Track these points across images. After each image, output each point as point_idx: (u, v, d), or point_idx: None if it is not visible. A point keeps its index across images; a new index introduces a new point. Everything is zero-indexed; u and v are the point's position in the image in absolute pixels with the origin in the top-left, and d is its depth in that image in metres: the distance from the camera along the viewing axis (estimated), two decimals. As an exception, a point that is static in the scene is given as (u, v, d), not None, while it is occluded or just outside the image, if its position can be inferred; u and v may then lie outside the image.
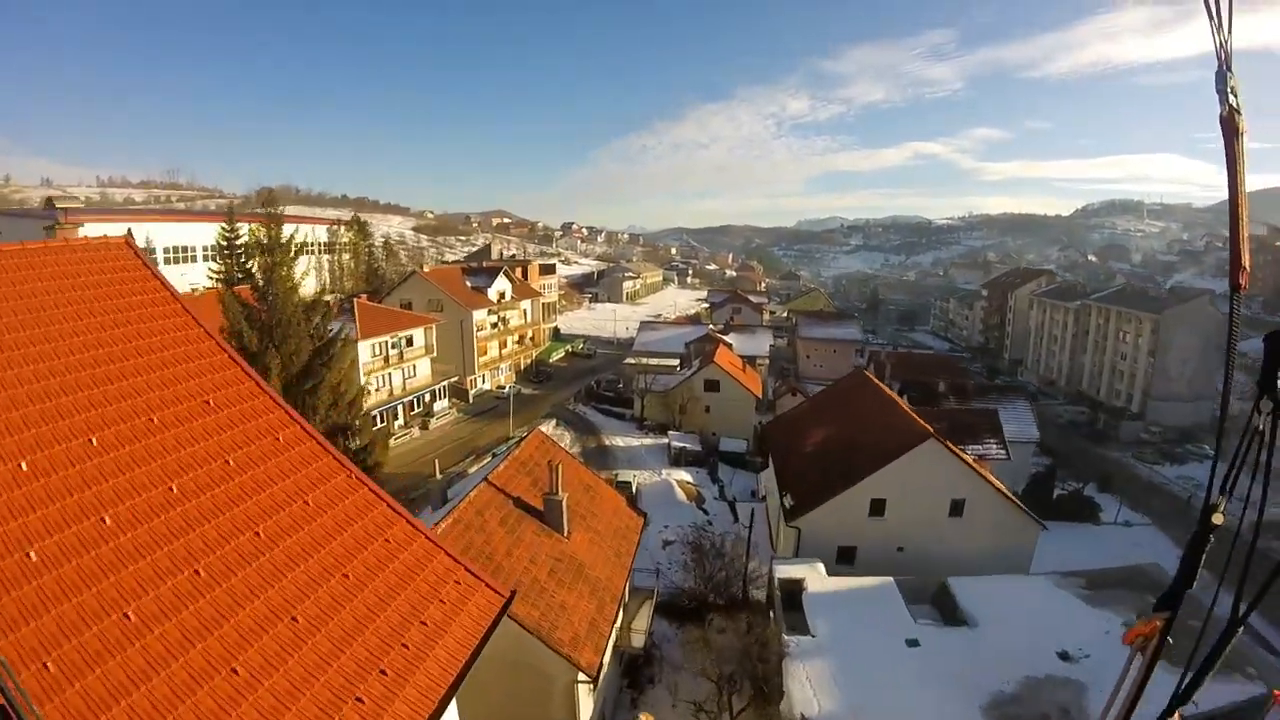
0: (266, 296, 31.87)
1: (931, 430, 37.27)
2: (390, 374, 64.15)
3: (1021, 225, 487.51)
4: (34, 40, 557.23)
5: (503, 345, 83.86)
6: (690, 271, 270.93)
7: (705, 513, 52.07)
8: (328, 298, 68.86)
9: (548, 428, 65.71)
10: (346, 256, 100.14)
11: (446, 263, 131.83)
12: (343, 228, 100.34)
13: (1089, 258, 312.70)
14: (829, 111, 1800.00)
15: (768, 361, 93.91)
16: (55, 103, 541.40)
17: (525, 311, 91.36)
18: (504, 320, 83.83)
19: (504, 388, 77.71)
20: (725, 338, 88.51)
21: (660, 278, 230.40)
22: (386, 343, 63.45)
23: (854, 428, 42.33)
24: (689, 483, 56.07)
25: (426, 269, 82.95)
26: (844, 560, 38.04)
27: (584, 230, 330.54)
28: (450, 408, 71.43)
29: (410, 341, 66.83)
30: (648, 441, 65.45)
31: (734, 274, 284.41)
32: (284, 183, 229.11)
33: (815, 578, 33.36)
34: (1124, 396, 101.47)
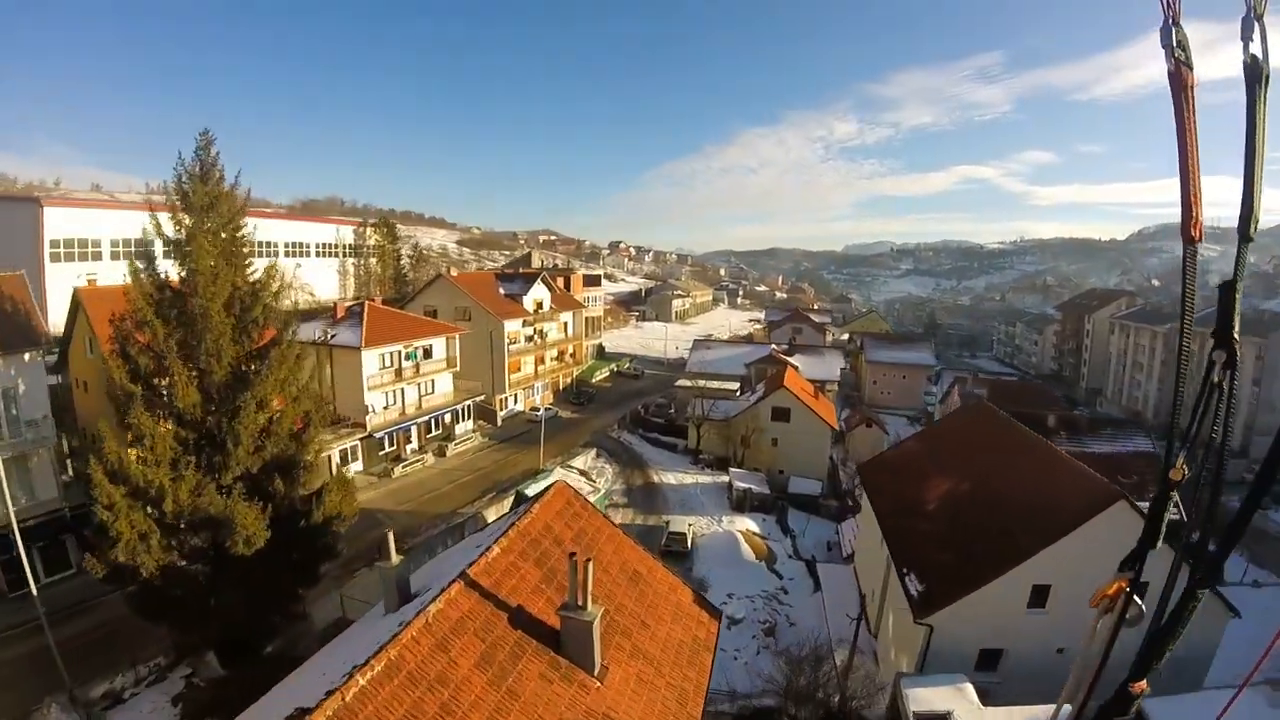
0: (190, 278, 21.86)
1: (1119, 488, 26.05)
2: (403, 389, 54.31)
3: (1075, 249, 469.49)
4: (93, 56, 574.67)
5: (539, 361, 73.66)
6: (740, 292, 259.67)
7: (778, 575, 40.89)
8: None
9: (587, 459, 55.12)
10: (374, 261, 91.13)
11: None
12: (370, 230, 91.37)
13: (1152, 281, 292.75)
14: (877, 135, 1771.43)
15: (836, 387, 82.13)
16: (110, 115, 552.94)
17: (566, 325, 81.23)
18: (541, 333, 73.69)
19: (538, 410, 67.54)
20: (790, 359, 77.34)
21: (710, 297, 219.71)
22: (399, 352, 53.65)
23: (994, 480, 30.85)
24: (756, 534, 44.94)
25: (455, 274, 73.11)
26: (984, 667, 26.88)
27: (632, 249, 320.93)
28: (474, 431, 61.29)
29: (428, 352, 56.98)
30: (704, 479, 54.35)
31: (784, 296, 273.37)
32: (331, 194, 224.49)
33: (966, 710, 22.27)
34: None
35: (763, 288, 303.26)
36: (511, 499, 43.14)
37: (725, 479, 53.87)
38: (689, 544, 41.07)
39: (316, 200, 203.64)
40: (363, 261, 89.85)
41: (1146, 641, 3.04)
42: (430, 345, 57.13)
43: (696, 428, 59.64)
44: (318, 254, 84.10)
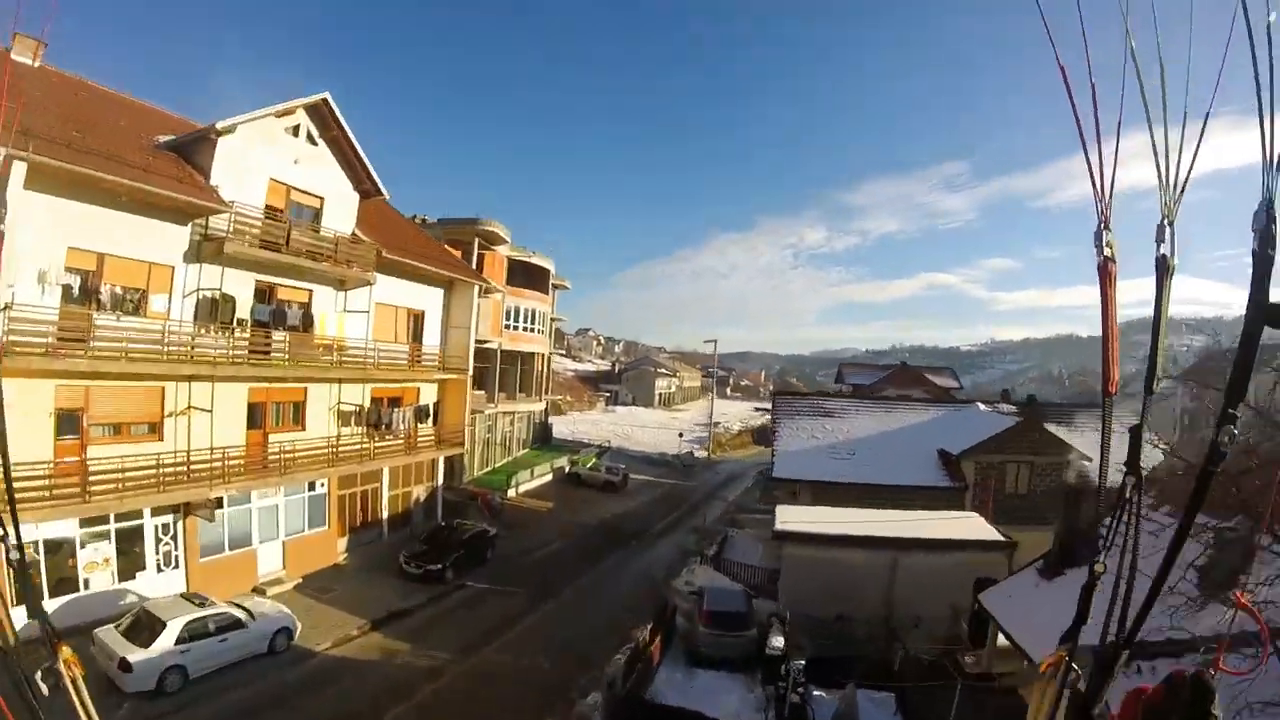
0: None
1: None
2: None
3: (1053, 346, 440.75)
4: None
5: (273, 420, 20.53)
6: (730, 383, 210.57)
7: None
8: None
9: None
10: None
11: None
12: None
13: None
14: (845, 242, 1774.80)
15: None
16: None
17: (419, 317, 27.94)
18: (281, 310, 20.93)
19: (241, 614, 14.69)
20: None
21: (699, 383, 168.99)
22: None
23: None
24: None
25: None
26: None
27: (601, 337, 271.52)
28: None
29: None
30: None
31: (772, 390, 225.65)
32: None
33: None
34: None
35: (747, 382, 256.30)
36: None
37: None
38: None
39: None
40: None
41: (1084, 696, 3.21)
42: None
43: None
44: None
